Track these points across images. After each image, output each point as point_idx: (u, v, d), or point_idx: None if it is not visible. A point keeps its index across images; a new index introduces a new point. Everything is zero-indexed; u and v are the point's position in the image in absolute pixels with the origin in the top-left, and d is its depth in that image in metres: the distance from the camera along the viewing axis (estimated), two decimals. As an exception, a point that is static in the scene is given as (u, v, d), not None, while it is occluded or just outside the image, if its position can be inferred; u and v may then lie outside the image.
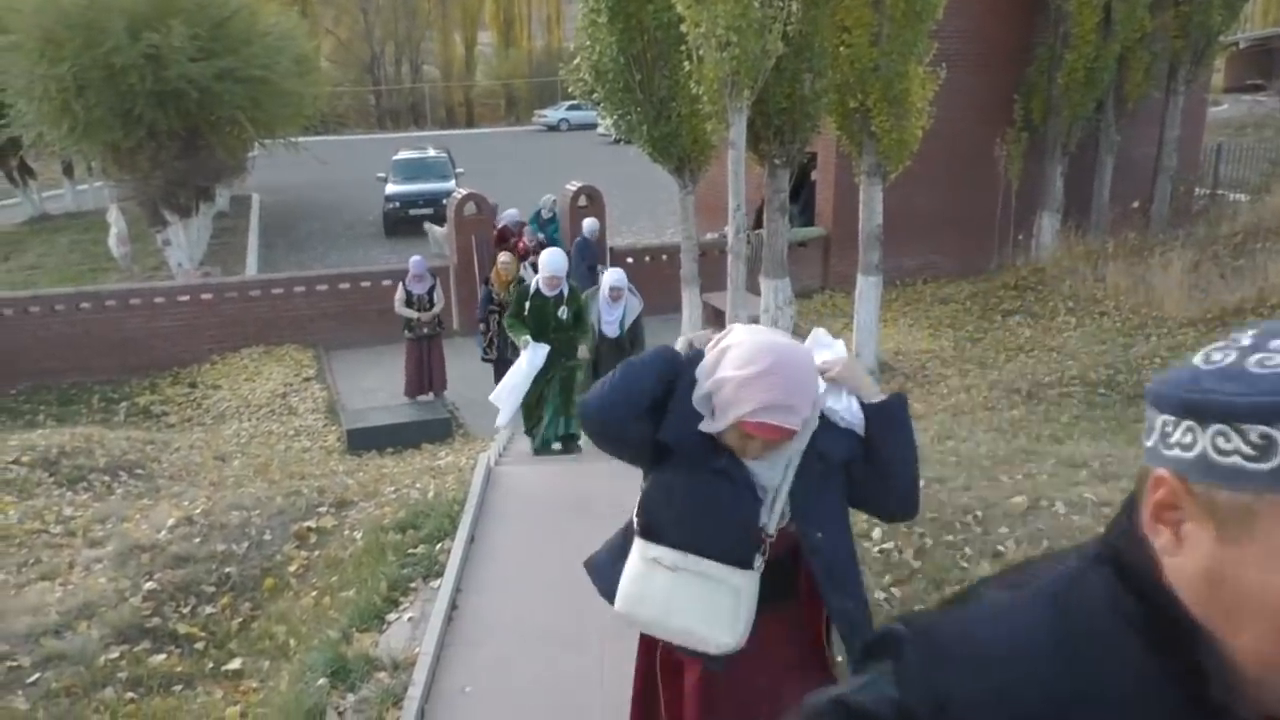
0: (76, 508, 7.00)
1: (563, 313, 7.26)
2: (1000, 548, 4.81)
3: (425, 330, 10.95)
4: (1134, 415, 8.93)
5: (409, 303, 10.80)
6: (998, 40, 15.08)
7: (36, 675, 4.58)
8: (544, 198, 15.76)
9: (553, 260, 7.23)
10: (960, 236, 15.79)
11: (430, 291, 10.85)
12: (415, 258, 10.94)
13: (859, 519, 5.21)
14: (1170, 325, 11.49)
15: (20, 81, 14.50)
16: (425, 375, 11.23)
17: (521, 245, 13.53)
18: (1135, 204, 15.37)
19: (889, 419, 2.18)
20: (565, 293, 7.28)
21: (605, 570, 2.41)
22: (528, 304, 7.26)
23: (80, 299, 12.88)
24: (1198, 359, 0.89)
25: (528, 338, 7.19)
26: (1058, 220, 15.50)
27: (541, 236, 14.88)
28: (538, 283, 7.22)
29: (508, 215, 15.02)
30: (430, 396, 11.28)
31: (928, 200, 15.15)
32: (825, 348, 2.33)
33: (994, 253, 15.79)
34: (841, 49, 10.42)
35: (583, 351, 7.50)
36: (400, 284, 10.90)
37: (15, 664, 4.64)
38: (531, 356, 7.15)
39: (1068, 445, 7.36)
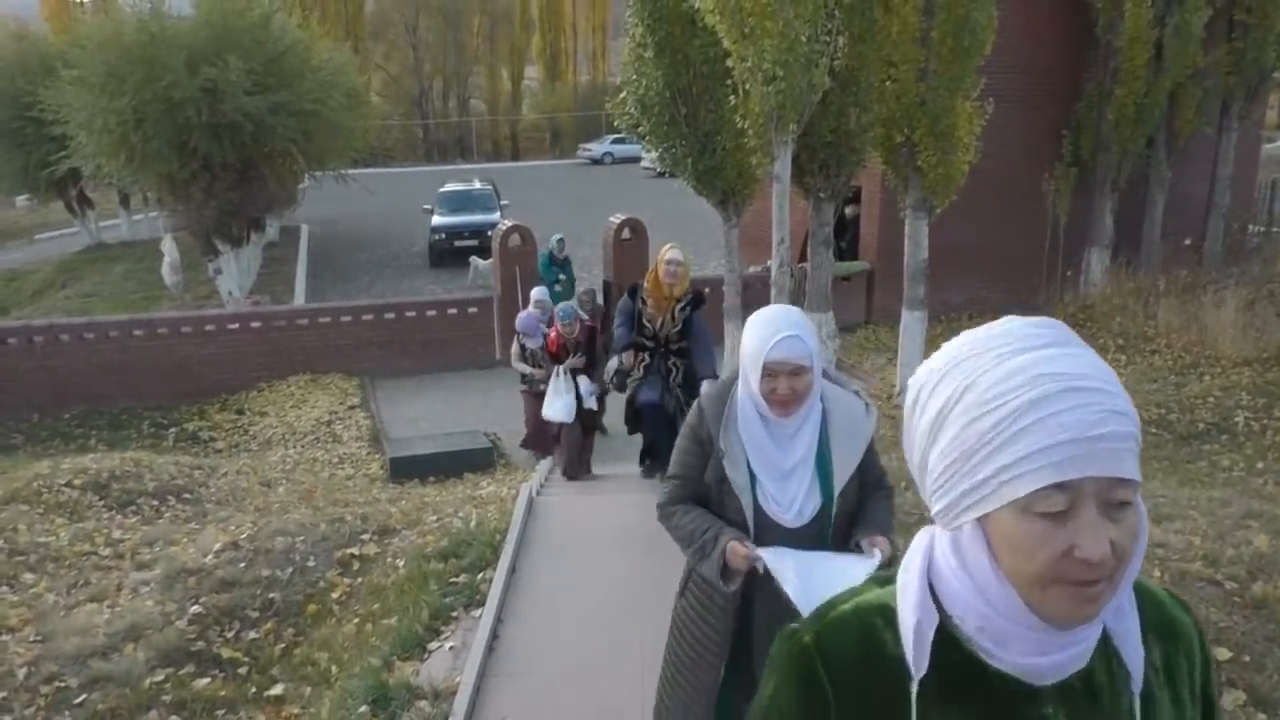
0: (125, 531, 7.10)
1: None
2: (1051, 588, 4.69)
3: (542, 387, 9.93)
4: (1187, 455, 8.72)
5: (523, 357, 10.06)
6: (1047, 76, 14.99)
7: (83, 696, 4.63)
8: (553, 238, 13.27)
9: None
10: (1007, 272, 15.63)
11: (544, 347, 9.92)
12: (523, 313, 9.80)
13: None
14: (1224, 364, 11.25)
15: (82, 114, 14.94)
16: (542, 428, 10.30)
17: (554, 337, 9.38)
18: (1187, 241, 15.13)
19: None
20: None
21: None
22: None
23: (133, 326, 13.13)
24: None
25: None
26: (1107, 257, 15.29)
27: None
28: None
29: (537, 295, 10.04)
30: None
31: (974, 235, 15.03)
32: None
33: (1041, 289, 15.60)
34: (887, 84, 10.42)
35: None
36: (515, 338, 10.07)
37: (63, 684, 4.70)
38: None
39: (1119, 485, 7.19)
